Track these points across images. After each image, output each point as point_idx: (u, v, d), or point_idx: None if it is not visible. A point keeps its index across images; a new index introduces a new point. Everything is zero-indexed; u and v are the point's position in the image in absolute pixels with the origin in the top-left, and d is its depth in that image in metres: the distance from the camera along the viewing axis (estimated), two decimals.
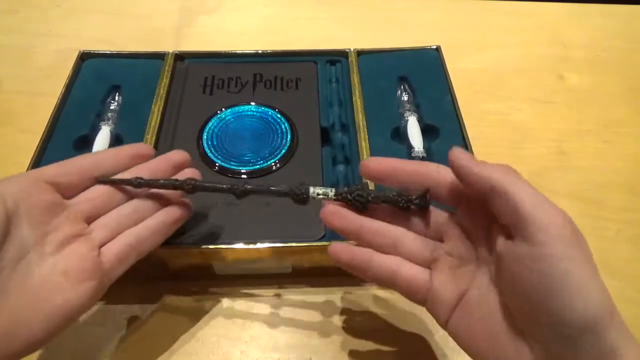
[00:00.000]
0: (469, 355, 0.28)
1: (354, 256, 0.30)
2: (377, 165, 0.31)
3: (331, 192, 0.31)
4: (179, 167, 0.36)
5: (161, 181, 0.33)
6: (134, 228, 0.32)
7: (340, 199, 0.31)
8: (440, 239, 0.31)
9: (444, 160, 0.46)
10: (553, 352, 0.23)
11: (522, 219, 0.24)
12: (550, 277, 0.23)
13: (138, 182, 0.32)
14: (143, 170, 0.34)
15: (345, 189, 0.31)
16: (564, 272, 0.22)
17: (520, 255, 0.24)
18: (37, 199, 0.29)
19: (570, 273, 0.22)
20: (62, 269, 0.28)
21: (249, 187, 0.32)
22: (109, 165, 0.33)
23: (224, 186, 0.32)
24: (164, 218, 0.33)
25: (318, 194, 0.31)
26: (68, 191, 0.32)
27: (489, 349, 0.26)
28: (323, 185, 0.32)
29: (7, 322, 0.26)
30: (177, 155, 0.36)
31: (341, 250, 0.31)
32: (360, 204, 0.30)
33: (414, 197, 0.30)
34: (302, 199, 0.31)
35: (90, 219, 0.32)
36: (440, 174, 0.30)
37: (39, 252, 0.28)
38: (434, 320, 0.30)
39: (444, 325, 0.29)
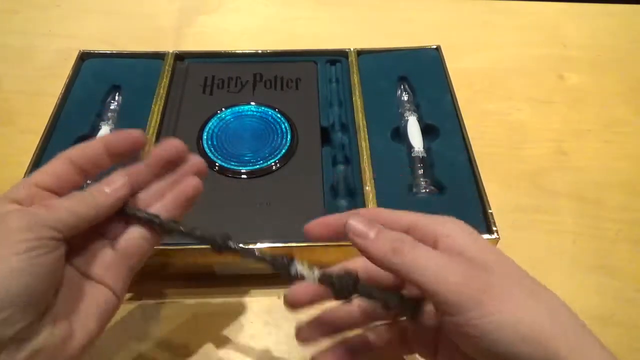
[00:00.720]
0: None
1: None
2: (315, 228, 0.29)
3: (315, 272, 0.27)
4: (174, 164, 0.32)
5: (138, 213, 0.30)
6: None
7: (324, 282, 0.27)
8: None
9: (443, 160, 0.46)
10: None
11: (434, 300, 0.24)
12: (490, 333, 0.23)
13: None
14: (133, 173, 0.31)
15: (333, 274, 0.27)
16: (499, 324, 0.22)
17: (455, 324, 0.24)
18: None
19: (504, 322, 0.22)
20: (95, 273, 0.28)
21: (230, 244, 0.29)
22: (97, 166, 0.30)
23: (203, 235, 0.29)
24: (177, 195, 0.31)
25: (300, 273, 0.27)
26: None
27: None
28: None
29: (65, 326, 0.26)
30: (166, 148, 0.31)
31: None
32: (346, 294, 0.27)
33: (407, 305, 0.27)
34: (283, 271, 0.28)
35: None
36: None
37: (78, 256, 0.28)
38: None
39: None
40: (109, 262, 0.29)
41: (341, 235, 0.27)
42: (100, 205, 0.28)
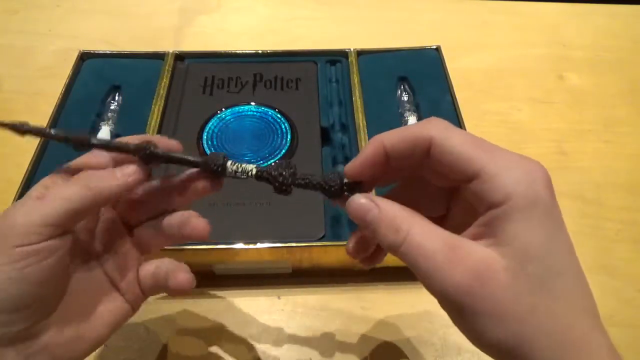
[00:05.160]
0: None
1: None
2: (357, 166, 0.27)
3: (252, 171, 0.27)
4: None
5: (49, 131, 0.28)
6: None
7: (260, 179, 0.27)
8: None
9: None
10: None
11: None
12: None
13: (24, 129, 0.29)
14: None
15: (270, 167, 0.27)
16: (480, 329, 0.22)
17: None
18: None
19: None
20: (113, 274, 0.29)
21: (156, 151, 0.27)
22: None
23: (126, 146, 0.27)
24: None
25: (236, 172, 0.27)
26: None
27: None
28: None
29: (76, 328, 0.27)
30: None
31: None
32: (283, 187, 0.27)
33: (345, 182, 0.26)
34: (217, 172, 0.27)
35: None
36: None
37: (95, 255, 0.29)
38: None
39: None
40: (134, 277, 0.30)
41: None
42: (105, 190, 0.26)
